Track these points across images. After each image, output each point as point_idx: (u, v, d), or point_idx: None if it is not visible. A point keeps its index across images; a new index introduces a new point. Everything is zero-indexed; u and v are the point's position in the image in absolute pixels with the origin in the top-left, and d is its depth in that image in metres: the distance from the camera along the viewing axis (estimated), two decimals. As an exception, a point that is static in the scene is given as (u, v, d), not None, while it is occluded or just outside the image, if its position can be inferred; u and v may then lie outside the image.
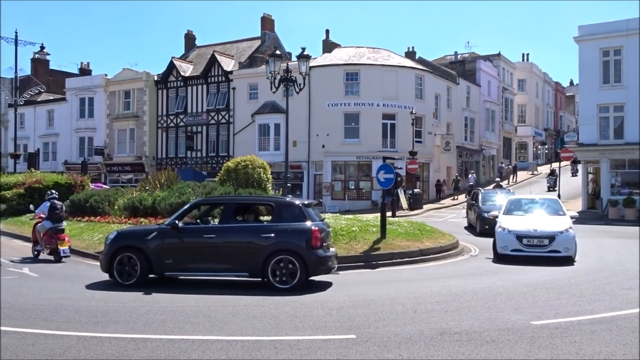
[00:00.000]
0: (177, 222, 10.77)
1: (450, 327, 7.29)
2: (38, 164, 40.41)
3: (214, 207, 12.27)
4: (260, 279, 10.39)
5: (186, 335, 6.92)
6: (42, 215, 15.33)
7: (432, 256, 14.69)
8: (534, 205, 16.27)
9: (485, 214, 20.79)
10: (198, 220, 11.50)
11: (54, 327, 7.28)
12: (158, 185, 21.69)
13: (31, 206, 17.26)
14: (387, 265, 13.57)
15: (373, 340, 6.66)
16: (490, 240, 15.99)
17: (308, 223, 10.42)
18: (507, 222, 14.73)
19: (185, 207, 11.62)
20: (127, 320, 7.73)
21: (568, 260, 13.81)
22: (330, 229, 11.65)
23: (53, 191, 16.22)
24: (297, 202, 11.02)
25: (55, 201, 15.37)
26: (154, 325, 7.43)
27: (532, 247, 14.01)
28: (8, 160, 38.77)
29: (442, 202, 40.12)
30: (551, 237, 13.91)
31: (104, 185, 35.75)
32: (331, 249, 11.15)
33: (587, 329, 7.22)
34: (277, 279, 10.14)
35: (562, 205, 15.85)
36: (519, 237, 14.10)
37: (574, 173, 46.75)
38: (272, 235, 10.29)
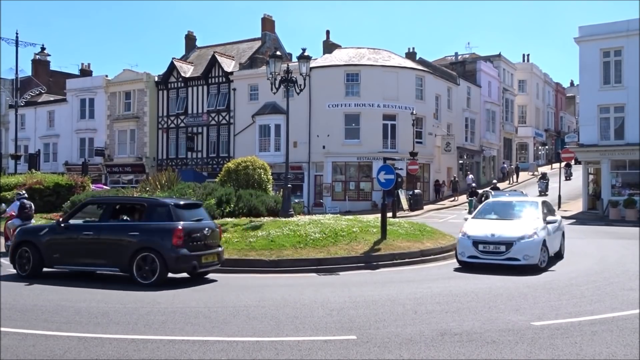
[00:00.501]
0: (60, 219, 12.12)
1: (450, 327, 7.29)
2: (38, 165, 40.45)
3: (111, 205, 12.37)
4: (128, 274, 10.95)
5: (187, 336, 6.92)
6: (12, 213, 16.27)
7: (432, 257, 14.67)
8: (511, 207, 14.65)
9: None
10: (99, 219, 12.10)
11: (54, 328, 7.29)
12: (159, 186, 21.70)
13: (2, 205, 18.43)
14: (388, 266, 13.56)
15: (374, 341, 6.66)
16: None
17: (174, 223, 10.93)
18: (469, 226, 13.50)
19: (76, 206, 12.83)
20: (128, 321, 7.73)
21: (532, 270, 12.26)
22: (211, 229, 11.64)
23: (23, 192, 17.45)
24: (169, 202, 11.56)
25: (25, 201, 16.45)
26: (155, 326, 7.44)
27: (488, 253, 12.62)
28: (9, 161, 38.80)
29: (442, 202, 40.13)
30: (508, 244, 12.42)
31: (105, 186, 35.76)
32: (216, 249, 11.68)
33: (588, 329, 7.23)
34: (143, 274, 10.76)
35: (542, 208, 14.01)
36: (476, 242, 12.74)
37: (568, 177, 45.66)
38: (138, 233, 10.99)
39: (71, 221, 11.85)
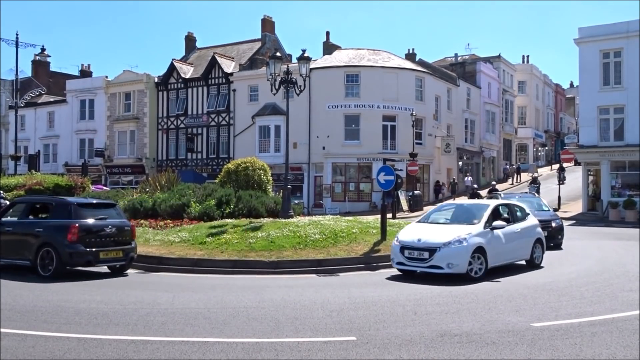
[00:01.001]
0: None
1: (450, 329, 7.29)
2: (38, 166, 40.44)
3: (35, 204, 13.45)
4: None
5: (186, 337, 6.92)
6: None
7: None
8: (462, 211, 13.34)
9: None
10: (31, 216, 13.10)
11: (54, 329, 7.28)
12: (158, 187, 21.72)
13: None
14: (388, 267, 13.48)
15: (373, 342, 6.66)
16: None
17: (71, 220, 11.92)
18: (405, 230, 12.70)
19: (6, 206, 13.85)
20: (128, 322, 7.73)
21: (461, 280, 11.14)
22: (116, 227, 12.46)
23: (1, 191, 18.22)
24: (72, 201, 12.68)
25: (2, 200, 17.32)
26: (154, 327, 7.44)
27: (413, 260, 11.68)
28: (9, 162, 38.78)
29: (441, 204, 39.97)
30: (432, 250, 11.38)
31: (105, 187, 35.74)
32: (125, 246, 12.52)
33: (588, 330, 7.23)
34: (44, 267, 11.77)
35: (490, 212, 12.43)
36: (403, 248, 11.86)
37: (562, 181, 42.29)
38: (42, 230, 12.07)
39: (3, 219, 12.86)
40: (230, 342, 6.73)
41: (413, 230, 12.56)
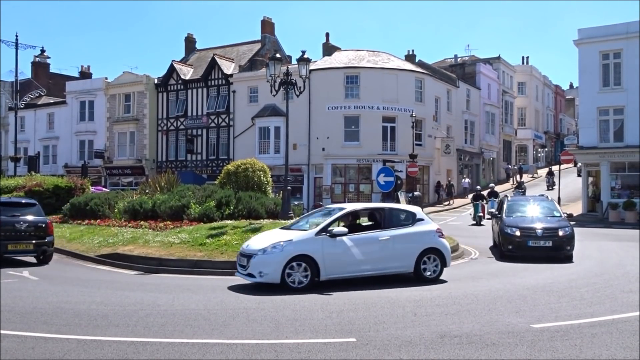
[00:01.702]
0: None
1: (450, 330, 7.29)
2: (38, 167, 40.40)
3: None
4: None
5: (186, 339, 6.92)
6: None
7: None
8: (327, 214, 11.90)
9: (510, 230, 15.78)
10: None
11: (53, 331, 7.27)
12: (158, 188, 21.70)
13: None
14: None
15: (373, 344, 6.66)
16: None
17: None
18: (254, 237, 12.29)
19: None
20: (127, 323, 7.72)
21: (280, 289, 10.21)
22: (28, 224, 14.19)
23: None
24: None
25: None
26: (154, 329, 7.43)
27: (240, 267, 11.02)
28: (8, 163, 38.82)
29: (439, 205, 40.03)
30: (249, 257, 10.64)
31: (104, 189, 35.74)
32: (37, 240, 14.22)
33: (588, 332, 7.23)
34: None
35: (336, 217, 11.21)
36: (239, 254, 11.32)
37: (550, 186, 42.10)
38: None
39: None
40: (230, 343, 6.73)
41: (258, 235, 11.94)
